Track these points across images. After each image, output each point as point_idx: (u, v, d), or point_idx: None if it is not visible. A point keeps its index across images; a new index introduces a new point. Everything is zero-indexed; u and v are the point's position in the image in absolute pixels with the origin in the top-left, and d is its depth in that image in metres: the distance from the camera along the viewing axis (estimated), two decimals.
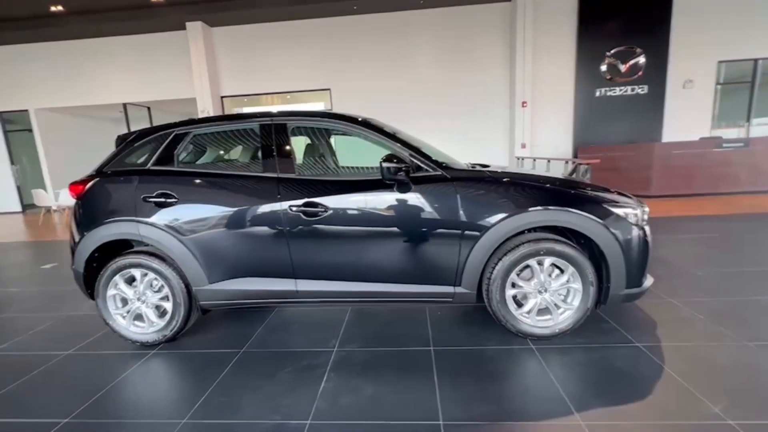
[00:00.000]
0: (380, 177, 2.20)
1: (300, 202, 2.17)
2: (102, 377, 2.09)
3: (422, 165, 2.19)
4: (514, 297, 2.23)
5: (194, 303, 2.37)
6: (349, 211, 2.18)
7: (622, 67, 8.74)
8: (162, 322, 2.38)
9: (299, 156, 2.48)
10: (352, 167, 2.84)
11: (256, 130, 2.37)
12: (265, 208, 2.20)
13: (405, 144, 2.24)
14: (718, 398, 1.64)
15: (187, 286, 2.33)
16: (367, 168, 2.80)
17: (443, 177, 2.16)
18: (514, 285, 2.20)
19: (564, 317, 2.20)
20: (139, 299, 2.38)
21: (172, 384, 2.06)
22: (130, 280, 2.39)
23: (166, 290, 2.34)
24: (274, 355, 2.24)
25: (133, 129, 9.95)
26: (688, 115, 8.89)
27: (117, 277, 2.35)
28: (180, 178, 2.30)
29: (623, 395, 1.72)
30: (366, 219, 2.18)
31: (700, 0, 8.38)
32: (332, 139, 3.19)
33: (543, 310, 2.23)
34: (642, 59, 8.66)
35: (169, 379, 2.10)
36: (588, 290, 2.14)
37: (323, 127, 2.42)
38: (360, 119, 2.34)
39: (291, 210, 2.17)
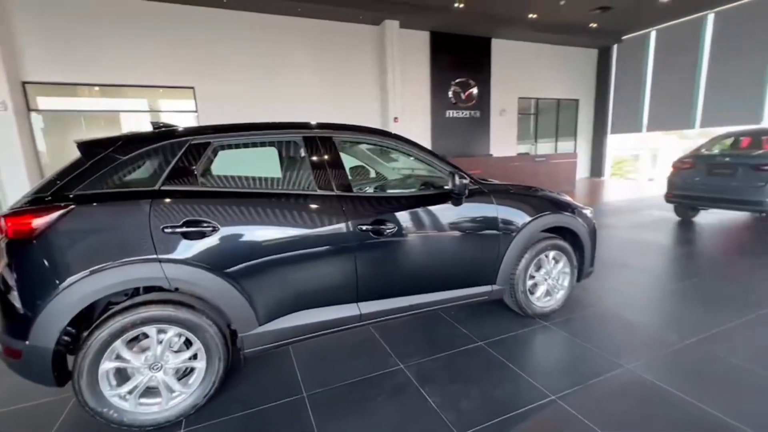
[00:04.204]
0: (430, 192, 2.37)
1: (369, 220, 2.08)
2: None
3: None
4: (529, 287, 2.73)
5: (231, 354, 1.91)
6: (415, 226, 2.22)
7: (463, 95, 10.85)
8: (188, 390, 1.82)
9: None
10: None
11: (299, 142, 2.11)
12: (330, 229, 2.00)
13: (448, 163, 2.43)
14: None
15: (224, 335, 1.87)
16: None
17: (482, 191, 2.46)
18: (530, 276, 2.69)
19: (559, 296, 2.84)
20: (151, 367, 1.74)
21: None
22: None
23: (196, 346, 1.80)
24: (346, 389, 2.05)
25: None
26: (503, 135, 11.77)
27: (118, 343, 1.66)
28: (213, 200, 1.82)
29: (629, 338, 2.43)
30: (429, 232, 2.26)
31: (506, 52, 11.24)
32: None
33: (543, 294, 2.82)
34: (475, 90, 10.96)
35: None
36: (573, 273, 2.84)
37: (371, 143, 2.33)
38: (402, 138, 2.39)
39: (360, 230, 2.05)
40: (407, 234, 2.20)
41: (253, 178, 1.99)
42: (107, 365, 1.66)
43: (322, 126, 2.17)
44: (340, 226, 2.02)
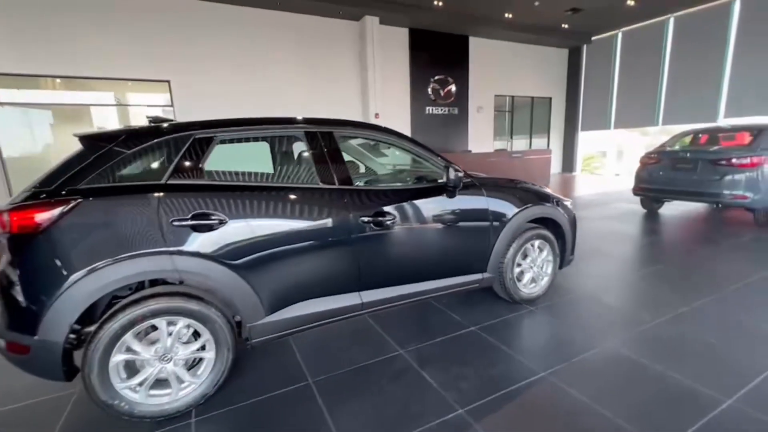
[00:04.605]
0: (426, 185, 2.47)
1: (370, 212, 2.16)
2: None
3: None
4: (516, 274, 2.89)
5: (238, 343, 1.96)
6: (412, 218, 2.32)
7: (442, 92, 11.04)
8: (198, 380, 1.85)
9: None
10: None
11: (300, 137, 2.16)
12: (333, 221, 2.07)
13: (442, 157, 2.55)
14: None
15: (232, 325, 1.91)
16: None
17: (473, 183, 2.60)
18: (517, 264, 2.86)
19: (544, 283, 3.02)
20: (161, 359, 1.77)
21: None
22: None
23: (204, 337, 1.84)
24: (349, 375, 2.14)
25: None
26: (481, 131, 12.07)
27: (128, 336, 1.68)
28: (221, 194, 1.85)
29: (606, 319, 2.64)
30: (425, 223, 2.37)
31: (483, 50, 11.50)
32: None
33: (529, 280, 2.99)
34: (454, 87, 11.17)
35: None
36: (556, 261, 3.03)
37: (369, 138, 2.41)
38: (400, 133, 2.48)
39: (362, 221, 2.13)
40: (406, 225, 2.30)
41: (259, 173, 2.04)
42: (118, 358, 1.67)
43: (323, 122, 2.23)
44: (343, 218, 2.10)
